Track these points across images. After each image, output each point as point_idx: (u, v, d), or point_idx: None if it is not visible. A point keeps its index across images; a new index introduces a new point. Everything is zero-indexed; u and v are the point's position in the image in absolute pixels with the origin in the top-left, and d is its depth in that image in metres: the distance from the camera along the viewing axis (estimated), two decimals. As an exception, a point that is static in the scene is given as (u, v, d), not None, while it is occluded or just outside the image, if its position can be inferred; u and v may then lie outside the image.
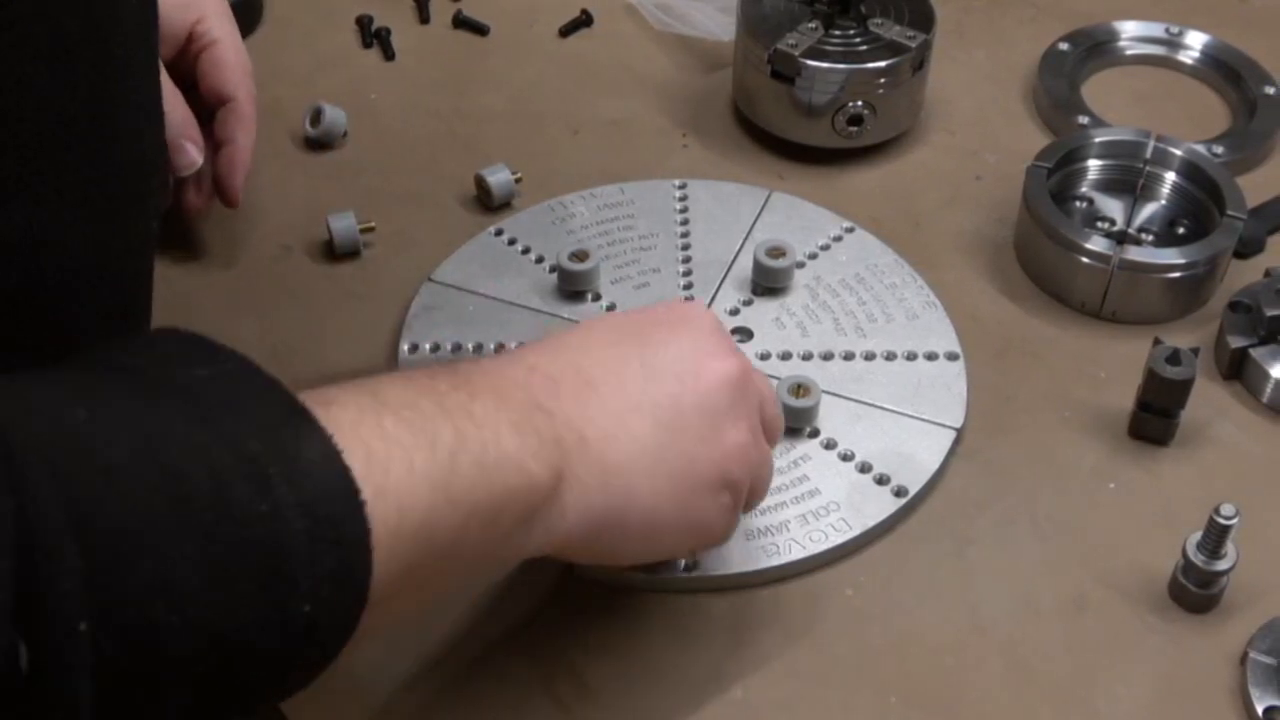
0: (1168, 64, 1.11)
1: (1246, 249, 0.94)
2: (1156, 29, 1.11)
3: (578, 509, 0.61)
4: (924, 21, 1.00)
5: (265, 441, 0.49)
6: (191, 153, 0.89)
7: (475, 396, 0.58)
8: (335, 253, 0.94)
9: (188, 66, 0.91)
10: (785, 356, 0.87)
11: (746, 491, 0.69)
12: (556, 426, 0.61)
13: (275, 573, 0.47)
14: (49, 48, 0.58)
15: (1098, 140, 0.97)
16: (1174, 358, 0.81)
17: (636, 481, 0.63)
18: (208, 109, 0.91)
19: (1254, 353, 0.86)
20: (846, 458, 0.82)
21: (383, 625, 0.54)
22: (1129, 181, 0.97)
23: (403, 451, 0.53)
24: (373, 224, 0.95)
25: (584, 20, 1.13)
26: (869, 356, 0.87)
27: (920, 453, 0.82)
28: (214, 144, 0.91)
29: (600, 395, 0.63)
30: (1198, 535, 0.75)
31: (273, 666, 0.49)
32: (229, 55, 0.90)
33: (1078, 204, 0.97)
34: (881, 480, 0.81)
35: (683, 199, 0.97)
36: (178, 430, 0.48)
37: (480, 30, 1.13)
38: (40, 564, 0.42)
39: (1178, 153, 0.96)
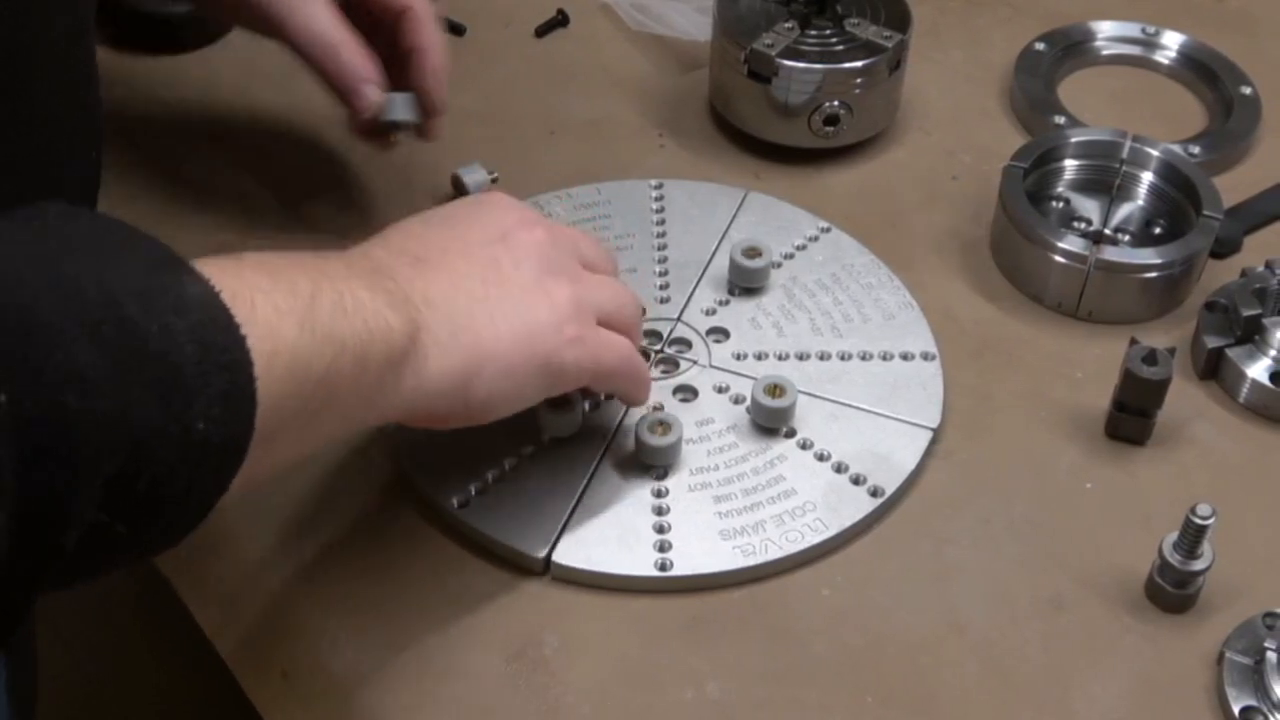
0: (1144, 64, 1.11)
1: (1223, 249, 0.94)
2: (1133, 29, 1.11)
3: (437, 358, 0.66)
4: (900, 21, 1.00)
5: (148, 278, 0.52)
6: (368, 94, 0.87)
7: (326, 260, 0.63)
8: None
9: None
10: (761, 356, 0.87)
11: (598, 324, 0.74)
12: (402, 288, 0.66)
13: (171, 386, 0.51)
14: None
15: (1074, 140, 0.97)
16: (1150, 358, 0.81)
17: (481, 329, 0.68)
18: (389, 26, 0.90)
19: (1230, 353, 0.86)
20: (822, 458, 0.81)
21: (269, 468, 0.58)
22: (1105, 181, 0.97)
23: (265, 294, 0.57)
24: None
25: (560, 20, 1.13)
26: (845, 357, 0.87)
27: (896, 453, 0.82)
28: (404, 58, 0.89)
29: (431, 268, 0.69)
30: (1174, 535, 0.75)
31: (173, 479, 0.52)
32: None
33: (1054, 204, 0.97)
34: (858, 480, 0.80)
35: (659, 199, 0.97)
36: (71, 259, 0.51)
37: (457, 30, 1.12)
38: None
39: (1154, 153, 0.96)
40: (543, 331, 0.71)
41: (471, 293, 0.69)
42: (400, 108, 0.89)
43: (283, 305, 0.57)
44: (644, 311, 0.84)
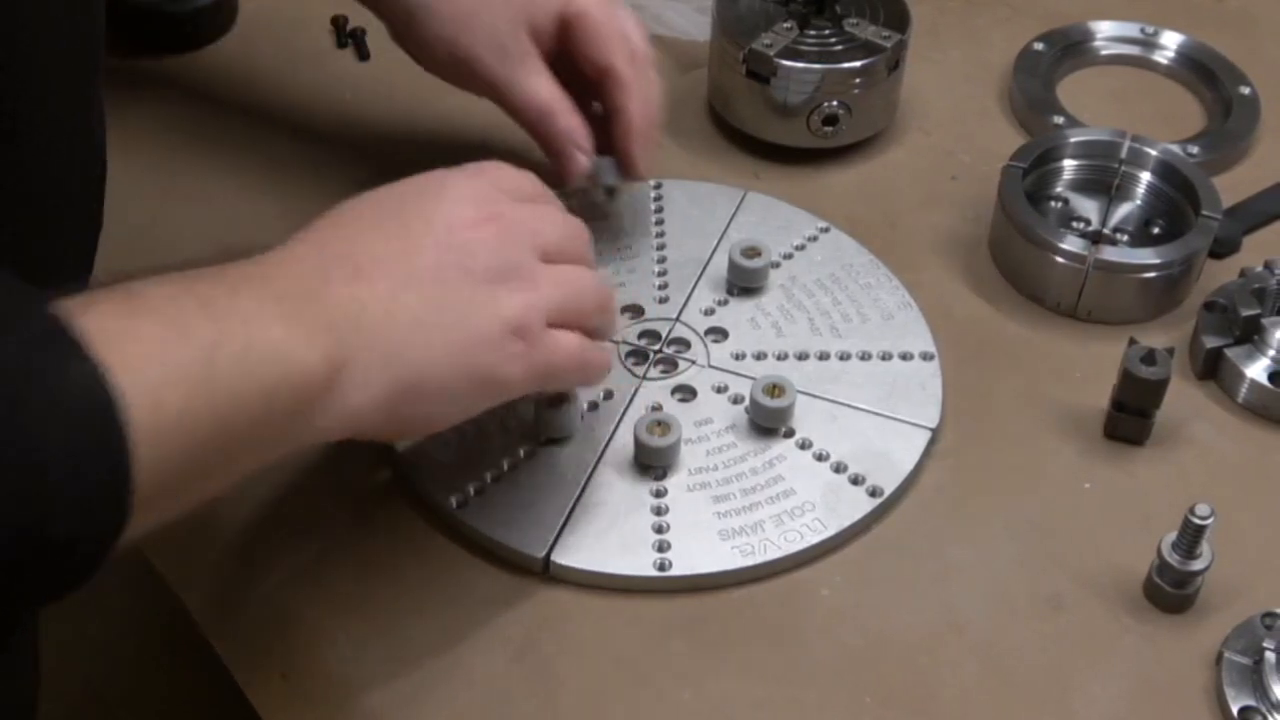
0: (1143, 64, 1.11)
1: (1222, 249, 0.94)
2: (1132, 29, 1.11)
3: (362, 390, 0.63)
4: (899, 21, 1.00)
5: (24, 358, 0.49)
6: (578, 161, 0.88)
7: (239, 292, 0.60)
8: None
9: (571, 51, 0.89)
10: (760, 356, 0.87)
11: (552, 324, 0.71)
12: (329, 313, 0.63)
13: (30, 494, 0.48)
14: None
15: (1073, 140, 0.97)
16: (1149, 358, 0.81)
17: (416, 354, 0.66)
18: (593, 84, 0.89)
19: (1229, 353, 0.86)
20: (821, 458, 0.81)
21: (166, 516, 0.56)
22: (1104, 181, 0.97)
23: (158, 351, 0.54)
24: None
25: (560, 20, 1.13)
26: (844, 356, 0.87)
27: (895, 453, 0.82)
28: (606, 117, 0.89)
29: (369, 279, 0.65)
30: (1173, 535, 0.75)
31: (29, 582, 0.50)
32: (594, 23, 0.87)
33: (1053, 204, 0.97)
34: (856, 480, 0.80)
35: (658, 199, 0.97)
36: None
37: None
38: None
39: (1153, 153, 0.96)
40: (483, 348, 0.68)
41: (410, 310, 0.66)
42: (608, 172, 0.90)
43: (175, 364, 0.54)
44: (632, 310, 0.84)
